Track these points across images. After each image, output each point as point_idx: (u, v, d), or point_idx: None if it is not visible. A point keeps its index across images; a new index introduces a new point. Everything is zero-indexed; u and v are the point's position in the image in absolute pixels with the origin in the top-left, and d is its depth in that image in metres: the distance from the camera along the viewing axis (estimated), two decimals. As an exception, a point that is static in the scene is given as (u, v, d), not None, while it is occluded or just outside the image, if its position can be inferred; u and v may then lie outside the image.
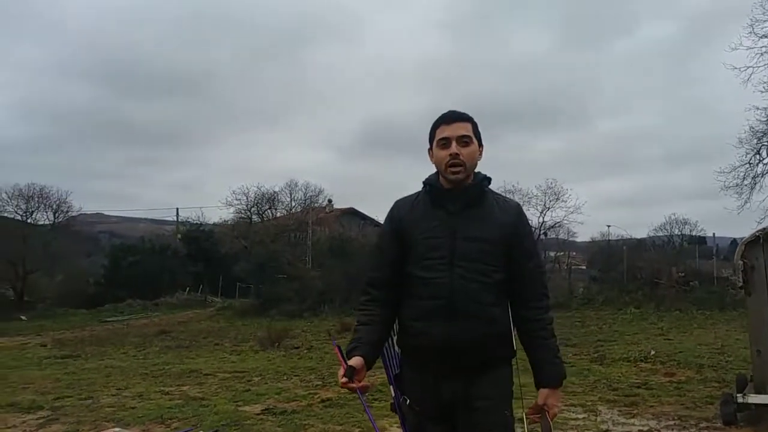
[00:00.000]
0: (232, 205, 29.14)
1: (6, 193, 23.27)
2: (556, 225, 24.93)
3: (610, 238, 28.27)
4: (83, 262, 28.84)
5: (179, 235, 29.57)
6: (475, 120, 2.30)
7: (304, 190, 30.06)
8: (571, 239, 31.14)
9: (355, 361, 2.10)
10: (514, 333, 2.22)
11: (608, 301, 17.54)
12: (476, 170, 2.29)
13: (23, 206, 23.40)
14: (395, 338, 2.31)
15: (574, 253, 33.54)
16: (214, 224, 30.06)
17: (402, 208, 2.30)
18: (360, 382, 2.10)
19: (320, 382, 7.67)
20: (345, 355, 2.15)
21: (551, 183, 23.51)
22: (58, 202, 24.13)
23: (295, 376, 8.28)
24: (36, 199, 23.56)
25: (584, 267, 32.39)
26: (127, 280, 24.67)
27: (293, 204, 29.85)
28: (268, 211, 29.06)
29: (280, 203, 29.75)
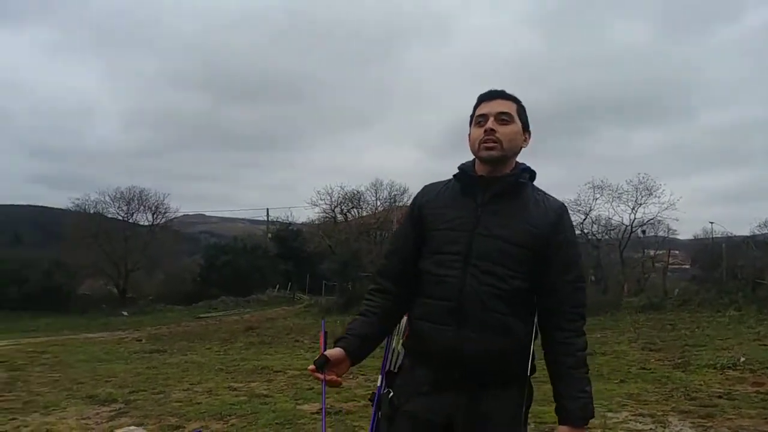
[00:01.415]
0: (317, 205, 29.78)
1: (109, 195, 24.78)
2: (650, 222, 23.60)
3: (713, 235, 26.53)
4: (183, 260, 30.30)
5: (270, 235, 30.51)
6: (523, 104, 2.01)
7: (388, 189, 30.20)
8: (671, 237, 29.46)
9: (333, 351, 1.93)
10: (533, 348, 1.92)
11: (705, 302, 16.37)
12: (520, 161, 2.01)
13: (125, 208, 24.85)
14: (402, 338, 2.08)
15: (677, 252, 31.84)
16: (302, 224, 30.84)
17: (427, 194, 2.04)
18: (334, 375, 1.91)
19: (384, 382, 7.60)
20: (326, 343, 1.97)
21: (643, 178, 22.26)
22: (156, 204, 25.45)
23: (361, 375, 8.24)
24: (136, 201, 24.96)
25: (687, 266, 30.76)
26: (220, 278, 25.69)
27: (378, 203, 30.07)
28: (353, 210, 29.48)
29: (365, 203, 30.07)
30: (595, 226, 23.84)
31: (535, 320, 1.93)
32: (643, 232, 24.88)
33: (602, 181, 22.67)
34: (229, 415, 5.99)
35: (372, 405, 2.08)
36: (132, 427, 3.24)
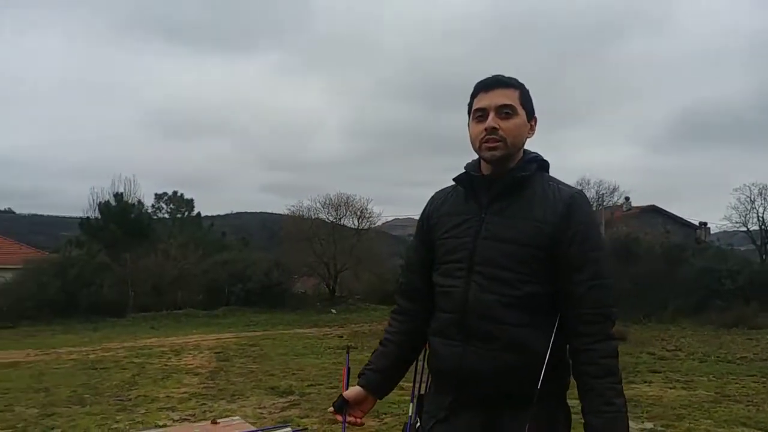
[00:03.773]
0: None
1: (319, 202, 26.77)
2: None
3: None
4: (388, 262, 31.63)
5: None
6: (526, 87, 1.81)
7: (596, 188, 28.67)
8: None
9: (351, 392, 1.88)
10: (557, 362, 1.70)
11: None
12: (529, 150, 1.82)
13: (333, 213, 26.71)
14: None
15: None
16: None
17: (434, 202, 1.91)
18: (355, 416, 1.87)
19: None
20: (348, 379, 1.97)
21: None
22: (360, 209, 26.98)
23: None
24: (343, 206, 26.69)
25: None
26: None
27: (584, 203, 28.64)
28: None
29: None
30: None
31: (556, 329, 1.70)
32: None
33: None
34: (385, 413, 6.15)
35: None
36: (235, 418, 3.49)
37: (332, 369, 9.47)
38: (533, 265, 1.68)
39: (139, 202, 27.46)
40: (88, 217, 26.40)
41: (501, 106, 1.74)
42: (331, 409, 1.89)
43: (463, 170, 1.85)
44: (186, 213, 31.81)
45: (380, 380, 1.91)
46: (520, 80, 1.83)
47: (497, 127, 1.72)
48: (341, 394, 1.88)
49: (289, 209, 27.30)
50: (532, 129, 1.81)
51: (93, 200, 26.48)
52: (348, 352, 2.17)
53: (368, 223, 27.47)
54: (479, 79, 1.82)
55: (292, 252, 25.48)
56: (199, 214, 32.51)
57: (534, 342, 1.67)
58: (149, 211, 28.88)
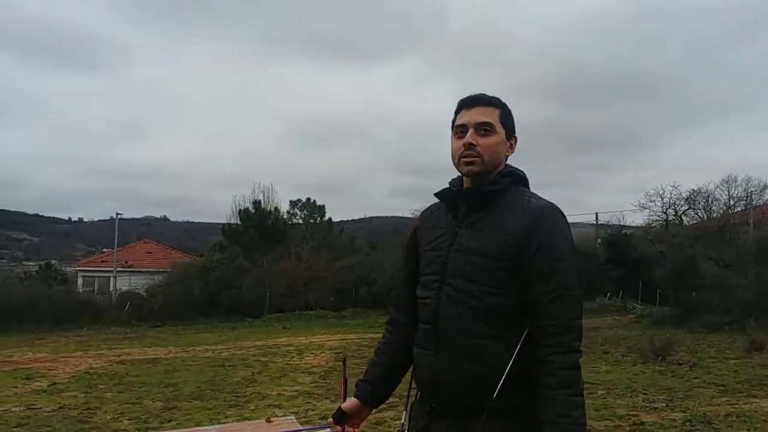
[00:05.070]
0: (646, 208, 27.56)
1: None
2: None
3: None
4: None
5: (599, 240, 29.29)
6: (508, 107, 1.84)
7: (744, 185, 26.35)
8: None
9: (348, 403, 1.93)
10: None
11: None
12: (510, 165, 1.84)
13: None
14: None
15: None
16: (637, 227, 28.89)
17: (423, 215, 1.98)
18: (353, 426, 1.92)
19: (663, 404, 6.85)
20: (346, 390, 2.02)
21: None
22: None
23: (643, 393, 7.55)
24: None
25: None
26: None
27: (731, 201, 26.44)
28: (688, 211, 26.54)
29: (715, 201, 26.75)
30: None
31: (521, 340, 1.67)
32: None
33: None
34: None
35: None
36: (289, 417, 3.63)
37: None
38: (500, 277, 1.68)
39: (276, 209, 29.00)
40: (229, 224, 28.28)
41: (480, 123, 1.77)
42: (331, 419, 1.96)
43: (448, 185, 1.88)
44: (318, 218, 33.19)
45: (372, 391, 1.96)
46: (502, 99, 1.86)
47: (475, 143, 1.76)
48: (340, 406, 1.94)
49: (413, 213, 27.59)
50: (511, 147, 1.84)
51: (235, 207, 28.37)
52: (344, 364, 2.22)
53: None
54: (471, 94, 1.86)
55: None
56: (330, 219, 33.82)
57: (497, 354, 1.66)
58: (284, 217, 30.38)
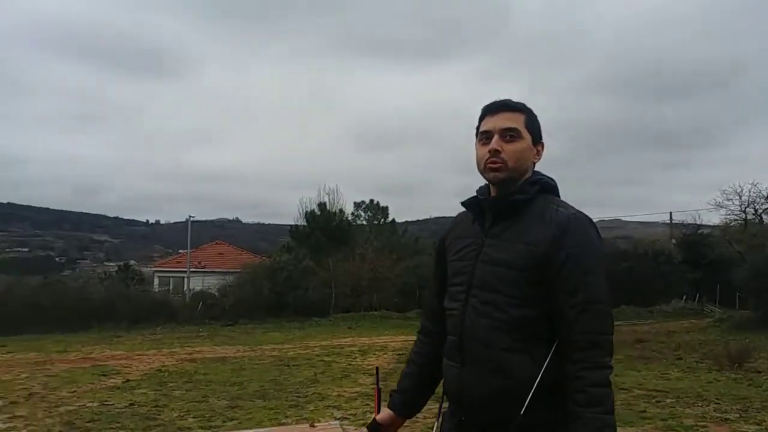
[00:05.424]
0: (723, 206, 26.29)
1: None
2: None
3: None
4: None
5: (674, 240, 28.18)
6: (533, 112, 1.81)
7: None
8: None
9: (382, 415, 1.94)
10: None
11: None
12: (539, 172, 1.80)
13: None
14: None
15: None
16: (713, 227, 27.63)
17: (451, 224, 1.94)
18: None
19: (736, 416, 6.52)
20: (380, 401, 2.01)
21: None
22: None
23: (715, 403, 7.21)
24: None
25: None
26: (620, 285, 24.85)
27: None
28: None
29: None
30: None
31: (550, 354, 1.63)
32: None
33: None
34: None
35: None
36: (333, 422, 3.64)
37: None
38: (526, 289, 1.65)
39: (341, 210, 29.38)
40: (296, 225, 28.83)
41: (505, 129, 1.74)
42: (366, 430, 1.96)
43: (475, 193, 1.85)
44: (382, 220, 33.39)
45: (403, 401, 1.96)
46: (528, 105, 1.82)
47: (500, 149, 1.73)
48: (374, 417, 1.95)
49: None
50: (538, 153, 1.80)
51: (302, 209, 28.90)
52: (377, 373, 2.22)
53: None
54: (490, 100, 1.83)
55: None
56: (393, 220, 33.96)
57: (523, 367, 1.63)
58: (349, 218, 30.71)
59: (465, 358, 1.72)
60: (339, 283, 23.92)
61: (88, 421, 6.50)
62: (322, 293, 23.33)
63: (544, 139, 1.83)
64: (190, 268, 30.75)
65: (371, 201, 34.24)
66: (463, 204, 1.87)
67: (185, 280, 29.62)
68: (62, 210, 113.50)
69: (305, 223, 28.43)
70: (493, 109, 1.79)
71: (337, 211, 29.08)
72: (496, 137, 1.74)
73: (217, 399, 7.80)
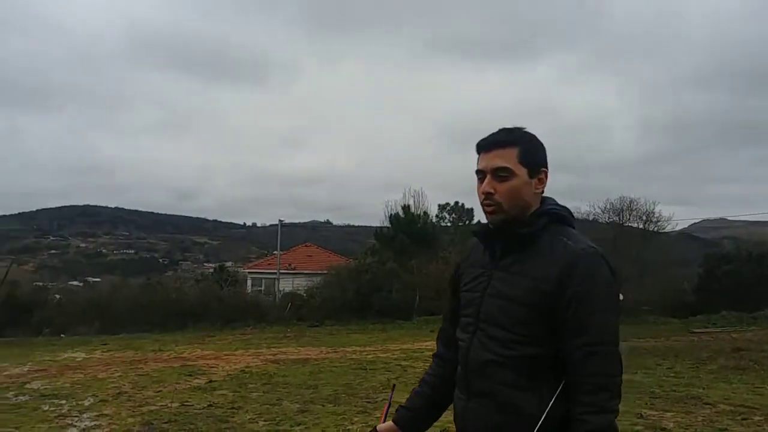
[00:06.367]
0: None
1: (598, 207, 25.58)
2: None
3: None
4: (688, 268, 28.71)
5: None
6: (530, 140, 1.76)
7: None
8: None
9: (384, 426, 1.98)
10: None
11: None
12: (550, 199, 1.79)
13: (614, 218, 25.28)
14: None
15: None
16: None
17: (466, 251, 1.95)
18: None
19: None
20: (387, 413, 2.05)
21: None
22: (646, 212, 25.06)
23: None
24: (626, 211, 25.07)
25: None
26: (722, 289, 23.49)
27: None
28: None
29: None
30: None
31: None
32: None
33: None
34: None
35: None
36: None
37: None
38: (532, 326, 1.63)
39: (425, 213, 29.38)
40: (381, 228, 29.11)
41: (496, 168, 1.72)
42: None
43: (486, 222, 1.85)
44: (467, 222, 33.11)
45: (411, 418, 1.97)
46: (526, 130, 1.79)
47: (492, 191, 1.72)
48: (375, 427, 1.99)
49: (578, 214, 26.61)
50: (540, 183, 1.76)
51: (387, 212, 29.15)
52: (393, 389, 2.24)
53: (656, 227, 25.36)
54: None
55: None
56: (479, 222, 33.55)
57: (527, 404, 1.62)
58: (433, 220, 30.67)
59: (470, 392, 1.73)
60: (423, 285, 23.91)
61: (166, 422, 6.85)
62: (406, 295, 23.42)
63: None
64: (280, 269, 31.70)
65: (456, 203, 34.16)
66: (473, 233, 1.88)
67: (276, 281, 30.56)
68: (165, 213, 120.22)
69: (389, 226, 28.65)
70: (484, 147, 1.77)
71: (422, 213, 29.13)
72: (488, 178, 1.73)
73: (290, 402, 8.00)
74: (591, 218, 25.46)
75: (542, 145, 1.80)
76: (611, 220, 25.55)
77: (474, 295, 1.77)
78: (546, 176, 1.77)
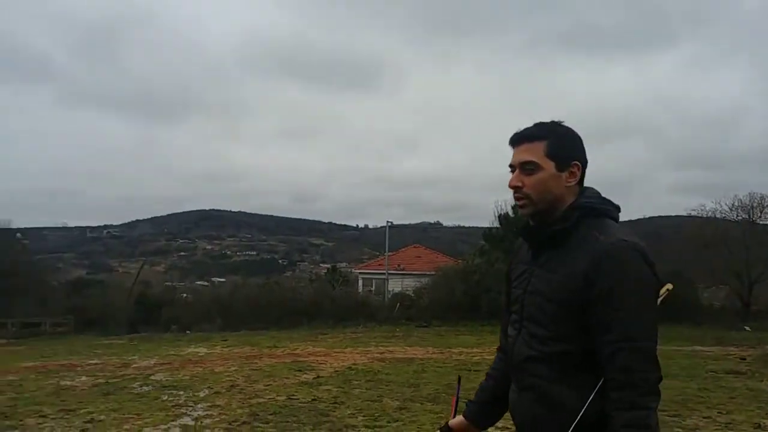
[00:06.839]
0: None
1: (726, 204, 23.94)
2: None
3: None
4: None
5: None
6: (561, 132, 1.77)
7: None
8: None
9: (455, 420, 2.05)
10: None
11: None
12: (589, 189, 1.78)
13: (744, 215, 23.53)
14: None
15: None
16: None
17: (517, 247, 1.96)
18: None
19: None
20: (457, 407, 2.12)
21: None
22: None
23: None
24: (757, 208, 23.27)
25: None
26: None
27: None
28: None
29: None
30: None
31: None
32: None
33: None
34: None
35: None
36: None
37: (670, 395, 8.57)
38: (566, 323, 1.65)
39: (535, 213, 28.64)
40: (490, 228, 28.76)
41: (523, 162, 1.75)
42: None
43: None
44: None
45: (479, 412, 2.05)
46: (558, 122, 1.81)
47: (520, 185, 1.75)
48: (446, 422, 2.08)
49: (689, 212, 25.10)
50: (571, 176, 1.75)
51: (496, 212, 28.75)
52: (459, 382, 2.31)
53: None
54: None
55: (697, 260, 23.35)
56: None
57: (566, 399, 1.64)
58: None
59: (518, 385, 1.80)
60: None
61: (271, 414, 7.22)
62: (515, 297, 23.04)
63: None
64: (388, 270, 32.17)
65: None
66: (517, 231, 1.95)
67: (385, 281, 31.06)
68: (284, 216, 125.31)
69: (499, 226, 28.25)
70: (514, 141, 1.80)
71: (531, 213, 28.46)
72: (516, 172, 1.76)
73: (390, 399, 8.17)
74: (718, 216, 23.84)
75: (577, 138, 1.80)
76: (740, 218, 23.79)
77: (518, 293, 1.81)
78: (579, 169, 1.76)
